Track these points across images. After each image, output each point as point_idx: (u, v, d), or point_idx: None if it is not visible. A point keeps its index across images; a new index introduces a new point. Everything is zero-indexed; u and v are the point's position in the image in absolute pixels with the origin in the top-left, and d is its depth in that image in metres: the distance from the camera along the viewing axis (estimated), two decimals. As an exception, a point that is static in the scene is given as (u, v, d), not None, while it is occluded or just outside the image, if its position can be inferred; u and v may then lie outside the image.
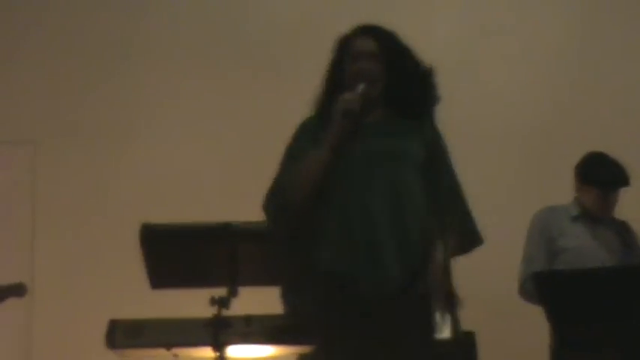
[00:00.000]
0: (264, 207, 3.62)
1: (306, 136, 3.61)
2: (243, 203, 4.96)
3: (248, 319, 3.78)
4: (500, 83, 5.97)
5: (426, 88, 3.62)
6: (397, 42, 3.65)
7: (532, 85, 5.95)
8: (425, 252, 3.46)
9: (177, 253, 3.89)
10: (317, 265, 3.50)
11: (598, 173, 4.86)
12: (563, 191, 4.95)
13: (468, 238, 3.61)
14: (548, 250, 4.84)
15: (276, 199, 3.57)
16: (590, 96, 5.95)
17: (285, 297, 4.11)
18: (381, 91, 3.60)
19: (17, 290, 4.20)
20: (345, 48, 3.66)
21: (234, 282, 3.79)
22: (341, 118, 3.46)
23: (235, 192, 5.74)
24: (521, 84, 5.95)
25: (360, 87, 3.52)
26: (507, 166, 5.76)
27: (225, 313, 3.76)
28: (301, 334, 3.71)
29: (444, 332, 3.40)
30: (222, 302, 3.76)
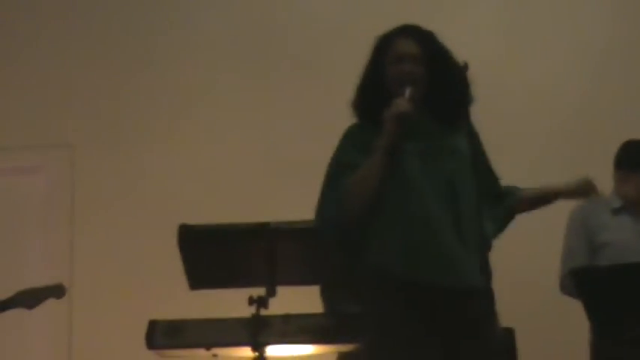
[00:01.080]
0: (318, 220, 3.55)
1: (353, 144, 3.59)
2: (281, 203, 5.36)
3: (287, 319, 3.78)
4: (543, 79, 5.90)
5: (464, 89, 3.62)
6: (437, 43, 3.66)
7: (574, 80, 5.87)
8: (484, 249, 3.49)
9: (215, 253, 3.91)
10: (379, 268, 3.46)
11: (637, 161, 4.78)
12: (604, 186, 4.83)
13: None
14: (589, 244, 4.76)
15: (336, 212, 3.51)
16: (632, 91, 5.85)
17: (327, 296, 4.31)
18: (422, 93, 3.59)
19: (56, 291, 4.23)
20: (385, 48, 3.65)
21: (272, 282, 3.81)
22: (396, 122, 3.45)
23: (273, 192, 5.75)
24: (563, 79, 5.88)
25: (408, 91, 3.50)
26: (549, 160, 5.67)
27: (264, 312, 3.78)
28: (343, 333, 3.71)
29: None
30: (261, 302, 3.77)
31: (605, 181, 4.84)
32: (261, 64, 6.06)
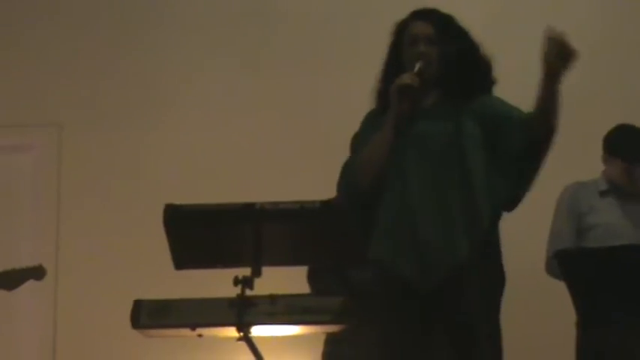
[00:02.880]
0: (338, 190, 3.74)
1: (370, 124, 3.70)
2: (269, 183, 5.35)
3: (272, 299, 3.78)
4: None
5: (481, 71, 3.68)
6: (454, 25, 3.71)
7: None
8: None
9: (201, 233, 3.90)
10: (371, 254, 3.59)
11: (624, 145, 4.77)
12: (595, 168, 4.90)
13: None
14: (576, 226, 4.77)
15: (346, 182, 3.70)
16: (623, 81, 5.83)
17: (314, 281, 4.31)
18: (436, 74, 3.64)
19: (36, 273, 4.23)
20: (402, 33, 3.72)
21: (257, 262, 3.81)
22: (399, 95, 3.53)
23: (262, 172, 5.73)
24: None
25: (417, 65, 3.57)
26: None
27: (249, 293, 3.79)
28: (329, 313, 3.73)
29: None
30: (246, 282, 3.78)
31: (597, 171, 4.87)
32: (254, 49, 6.02)
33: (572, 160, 5.06)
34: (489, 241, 3.57)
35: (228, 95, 5.99)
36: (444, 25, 3.68)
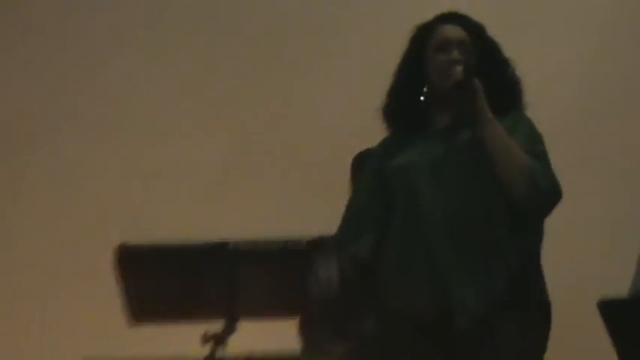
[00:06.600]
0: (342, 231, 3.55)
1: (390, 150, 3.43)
2: (245, 216, 5.09)
3: (249, 360, 3.45)
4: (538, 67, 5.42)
5: (514, 88, 3.41)
6: (487, 35, 3.44)
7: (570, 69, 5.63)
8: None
9: (161, 280, 3.51)
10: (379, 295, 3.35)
11: None
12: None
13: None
14: None
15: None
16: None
17: (307, 333, 4.04)
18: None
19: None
20: (425, 39, 3.40)
21: (232, 315, 3.44)
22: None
23: (237, 202, 5.36)
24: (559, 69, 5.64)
25: (458, 70, 3.25)
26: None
27: (222, 352, 3.41)
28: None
29: None
30: (218, 340, 3.40)
31: (601, 169, 4.91)
32: (219, 51, 5.73)
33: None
34: (525, 277, 3.26)
35: (194, 105, 5.66)
36: (479, 33, 3.40)
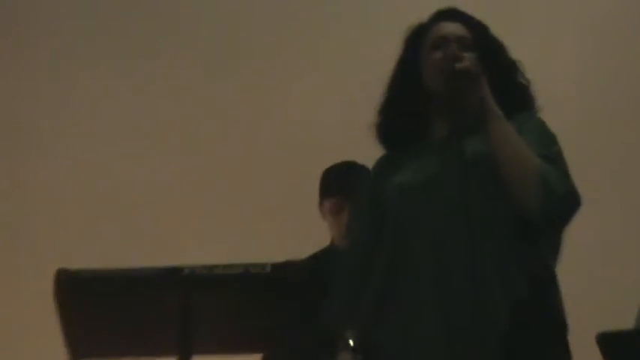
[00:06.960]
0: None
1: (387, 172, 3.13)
2: (201, 240, 4.94)
3: (206, 403, 3.20)
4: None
5: (521, 90, 3.12)
6: (490, 35, 3.15)
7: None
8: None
9: (107, 309, 3.24)
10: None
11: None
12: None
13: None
14: None
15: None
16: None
17: None
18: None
19: None
20: (420, 39, 3.12)
21: (185, 350, 3.19)
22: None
23: (192, 225, 5.15)
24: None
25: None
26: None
27: None
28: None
29: None
30: None
31: (604, 167, 4.94)
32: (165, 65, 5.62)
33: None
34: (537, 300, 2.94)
35: (145, 118, 5.53)
36: (482, 31, 3.11)
